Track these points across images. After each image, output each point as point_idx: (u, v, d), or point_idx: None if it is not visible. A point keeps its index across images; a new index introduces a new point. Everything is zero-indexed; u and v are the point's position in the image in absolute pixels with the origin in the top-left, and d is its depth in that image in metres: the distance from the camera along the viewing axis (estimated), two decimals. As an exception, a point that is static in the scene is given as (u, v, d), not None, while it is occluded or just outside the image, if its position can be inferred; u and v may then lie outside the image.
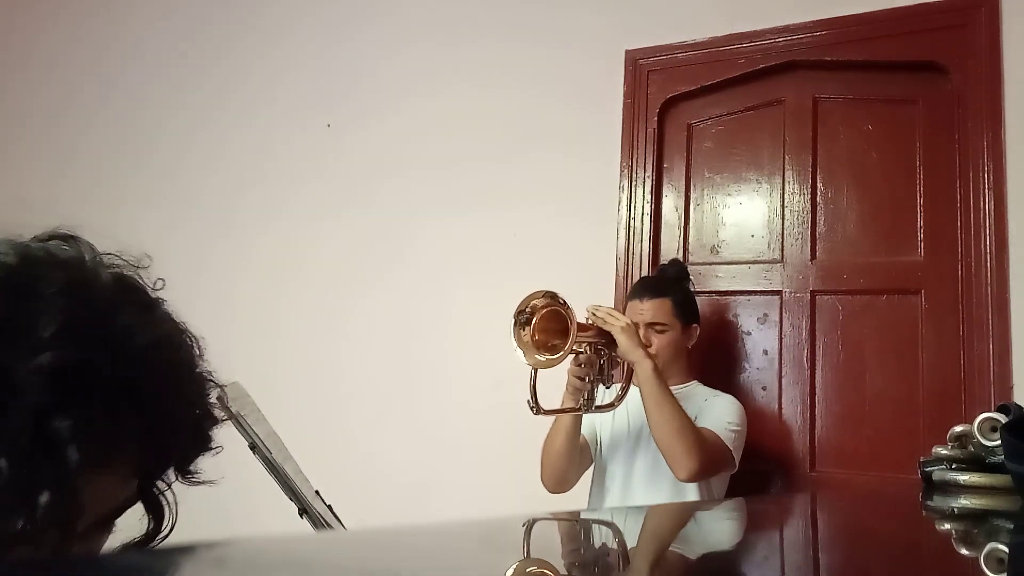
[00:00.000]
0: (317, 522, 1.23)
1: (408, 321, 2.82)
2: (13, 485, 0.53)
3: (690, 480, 1.87)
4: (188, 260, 2.88)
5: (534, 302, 1.75)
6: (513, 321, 1.74)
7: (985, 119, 2.15)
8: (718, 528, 0.71)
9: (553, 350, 1.75)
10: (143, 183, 3.37)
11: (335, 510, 1.32)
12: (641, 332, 1.97)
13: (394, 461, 2.72)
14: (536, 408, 1.83)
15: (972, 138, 2.17)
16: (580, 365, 1.86)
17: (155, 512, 0.64)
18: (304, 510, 1.23)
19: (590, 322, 1.86)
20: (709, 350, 2.40)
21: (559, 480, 2.03)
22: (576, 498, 2.10)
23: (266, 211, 3.12)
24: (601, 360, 1.90)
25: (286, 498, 1.23)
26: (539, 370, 1.79)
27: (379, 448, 2.76)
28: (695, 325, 2.17)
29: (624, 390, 1.94)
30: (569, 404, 1.90)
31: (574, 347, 1.77)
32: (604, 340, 1.88)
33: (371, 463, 2.74)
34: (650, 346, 1.98)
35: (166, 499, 0.65)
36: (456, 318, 2.74)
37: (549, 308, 1.74)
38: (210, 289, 2.88)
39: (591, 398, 1.90)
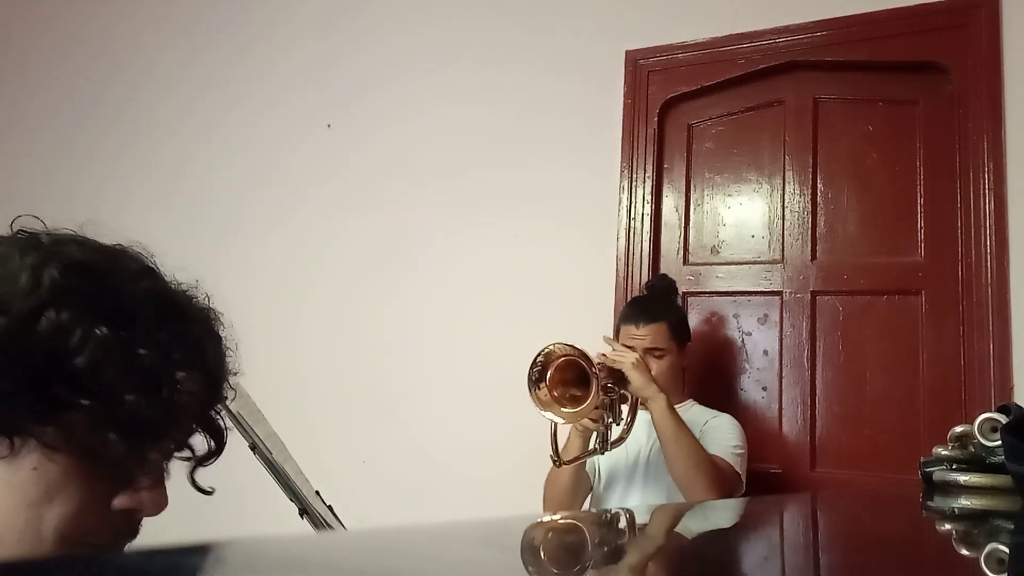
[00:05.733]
0: (317, 522, 1.23)
1: (409, 321, 2.82)
2: (155, 368, 0.65)
3: None
4: (196, 261, 2.88)
5: (549, 349, 1.74)
6: (527, 382, 1.72)
7: (985, 119, 2.15)
8: (719, 528, 0.71)
9: (575, 401, 1.74)
10: (153, 183, 3.37)
11: (335, 510, 1.32)
12: None
13: (395, 461, 2.72)
14: (559, 461, 1.84)
15: (972, 138, 2.17)
16: (595, 408, 1.82)
17: (215, 435, 0.74)
18: (304, 510, 1.23)
19: (598, 363, 1.83)
20: (710, 351, 2.40)
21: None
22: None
23: (272, 216, 3.11)
24: (611, 398, 1.88)
25: (286, 498, 1.23)
26: (559, 422, 1.78)
27: (380, 448, 2.76)
28: (688, 343, 2.18)
29: (630, 424, 1.93)
30: (577, 444, 1.90)
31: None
32: (613, 379, 1.86)
33: (372, 463, 2.74)
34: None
35: (223, 423, 0.76)
36: (457, 318, 2.74)
37: (563, 358, 1.73)
38: (216, 289, 2.87)
39: (606, 438, 1.88)
